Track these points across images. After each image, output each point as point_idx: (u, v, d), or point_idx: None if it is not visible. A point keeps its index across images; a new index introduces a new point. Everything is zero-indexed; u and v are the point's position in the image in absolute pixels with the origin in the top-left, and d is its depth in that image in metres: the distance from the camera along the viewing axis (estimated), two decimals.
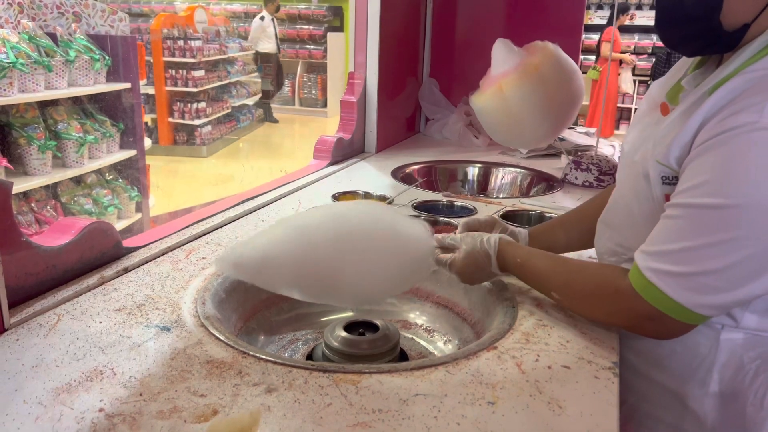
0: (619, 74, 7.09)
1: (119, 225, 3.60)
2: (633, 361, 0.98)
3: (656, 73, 7.21)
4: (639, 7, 8.39)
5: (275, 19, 8.95)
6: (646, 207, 0.90)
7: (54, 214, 3.19)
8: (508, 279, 1.12)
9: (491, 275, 1.05)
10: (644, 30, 8.29)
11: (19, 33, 3.07)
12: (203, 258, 1.19)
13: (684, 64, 0.98)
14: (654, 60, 7.49)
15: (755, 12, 0.80)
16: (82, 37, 3.38)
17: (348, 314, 1.22)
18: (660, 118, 0.93)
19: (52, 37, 3.25)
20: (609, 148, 2.35)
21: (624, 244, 0.98)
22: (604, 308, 0.91)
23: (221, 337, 0.89)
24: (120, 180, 3.73)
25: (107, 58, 3.46)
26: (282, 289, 0.93)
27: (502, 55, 1.62)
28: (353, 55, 2.24)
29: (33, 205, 3.13)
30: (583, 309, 0.96)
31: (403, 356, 1.05)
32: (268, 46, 8.89)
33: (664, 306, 0.80)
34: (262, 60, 9.06)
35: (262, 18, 8.86)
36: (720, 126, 0.77)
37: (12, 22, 3.27)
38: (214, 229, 1.36)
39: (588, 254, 1.21)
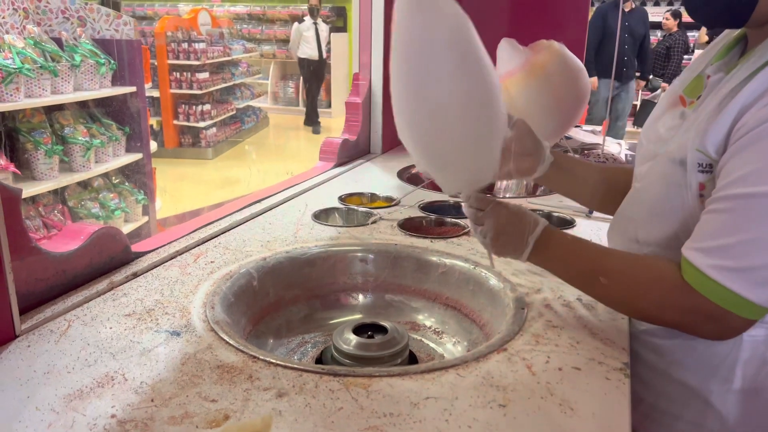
0: None
1: (126, 228, 3.62)
2: (651, 359, 0.98)
3: (655, 67, 7.16)
4: (643, 3, 8.36)
5: (318, 24, 8.51)
6: (677, 196, 0.89)
7: (61, 218, 3.21)
8: (518, 279, 1.12)
9: (521, 244, 0.95)
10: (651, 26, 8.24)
11: (24, 38, 3.09)
12: (211, 262, 1.19)
13: (702, 59, 0.99)
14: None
15: None
16: (87, 41, 3.39)
17: (356, 317, 1.23)
18: (684, 111, 0.94)
19: (58, 41, 3.27)
20: (615, 146, 2.34)
21: (642, 239, 0.98)
22: (658, 301, 0.86)
23: (231, 342, 0.89)
24: (126, 183, 3.75)
25: (112, 62, 3.48)
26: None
27: (508, 54, 1.62)
28: (357, 56, 2.24)
29: (41, 209, 3.15)
30: (633, 299, 0.89)
31: (412, 358, 1.05)
32: (306, 50, 8.53)
33: (731, 304, 0.78)
34: (300, 65, 8.74)
35: (300, 21, 8.58)
36: (763, 112, 0.76)
37: (17, 28, 3.28)
38: (222, 233, 1.37)
39: None
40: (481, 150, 0.89)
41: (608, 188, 1.17)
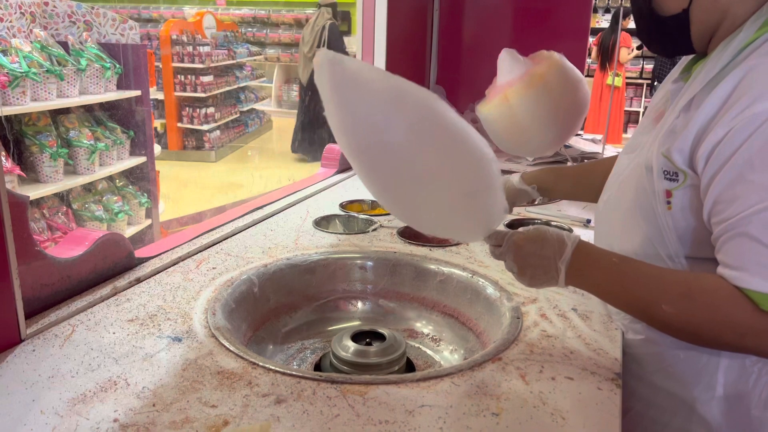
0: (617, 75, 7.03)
1: (129, 231, 3.64)
2: (636, 369, 1.00)
3: (661, 74, 7.16)
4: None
5: None
6: (647, 203, 0.91)
7: (65, 220, 3.23)
8: (514, 288, 1.14)
9: (551, 272, 0.87)
10: None
11: (31, 42, 3.12)
12: (213, 268, 1.21)
13: (674, 73, 1.02)
14: (655, 62, 7.44)
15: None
16: (93, 45, 3.43)
17: (355, 323, 1.24)
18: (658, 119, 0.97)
19: (64, 45, 3.30)
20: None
21: (617, 247, 0.99)
22: (738, 328, 0.78)
23: (231, 348, 0.91)
24: (130, 186, 3.78)
25: (118, 66, 3.51)
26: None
27: (508, 64, 1.63)
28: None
29: (45, 211, 3.18)
30: (708, 327, 0.80)
31: (409, 365, 1.07)
32: None
33: None
34: None
35: None
36: (742, 124, 0.77)
37: (24, 31, 3.31)
38: (224, 239, 1.39)
39: None
40: (482, 200, 0.87)
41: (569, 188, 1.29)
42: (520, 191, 1.30)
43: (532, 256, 0.88)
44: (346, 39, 9.73)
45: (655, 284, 0.84)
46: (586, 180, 1.27)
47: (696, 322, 0.81)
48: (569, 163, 2.15)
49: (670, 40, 0.93)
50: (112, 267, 1.14)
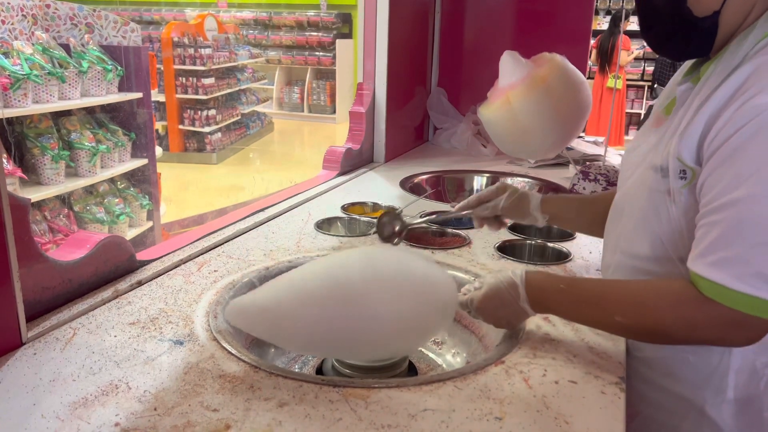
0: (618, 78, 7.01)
1: (131, 233, 3.64)
2: (645, 372, 0.99)
3: (661, 76, 7.14)
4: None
5: None
6: (661, 204, 0.90)
7: (67, 222, 3.23)
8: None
9: (520, 313, 0.93)
10: None
11: (33, 44, 3.12)
12: (215, 271, 1.21)
13: (675, 79, 1.01)
14: (656, 65, 7.43)
15: None
16: (94, 48, 3.43)
17: None
18: (663, 124, 0.96)
19: (66, 48, 3.30)
20: (617, 158, 2.36)
21: (629, 250, 0.99)
22: (688, 322, 0.82)
23: (233, 352, 0.91)
24: (132, 189, 3.78)
25: (119, 68, 3.51)
26: (282, 342, 0.93)
27: (510, 66, 1.63)
28: (362, 63, 2.26)
29: (46, 214, 3.18)
30: (661, 328, 0.84)
31: (412, 369, 1.06)
32: None
33: (753, 308, 0.76)
34: None
35: None
36: (740, 114, 0.77)
37: (26, 34, 3.32)
38: (226, 242, 1.38)
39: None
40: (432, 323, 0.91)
41: (586, 221, 1.22)
42: (532, 215, 1.22)
43: (498, 309, 0.94)
44: (346, 42, 9.82)
45: (606, 301, 0.88)
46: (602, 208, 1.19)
47: (649, 325, 0.84)
48: (571, 166, 2.15)
49: (694, 42, 0.89)
50: (113, 270, 1.14)
